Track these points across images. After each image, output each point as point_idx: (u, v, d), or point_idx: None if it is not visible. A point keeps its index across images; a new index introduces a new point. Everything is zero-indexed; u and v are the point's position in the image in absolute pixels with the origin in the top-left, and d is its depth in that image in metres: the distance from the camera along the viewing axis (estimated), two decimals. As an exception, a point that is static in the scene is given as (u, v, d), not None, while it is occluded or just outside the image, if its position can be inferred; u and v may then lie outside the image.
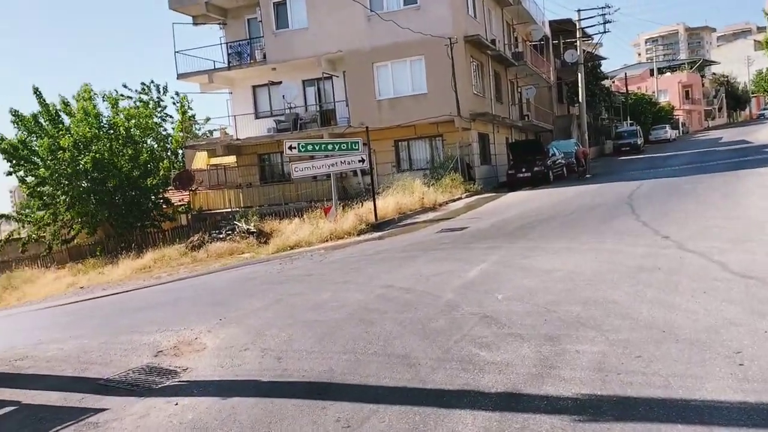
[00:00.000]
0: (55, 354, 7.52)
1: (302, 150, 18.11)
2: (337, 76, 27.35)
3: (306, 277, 11.04)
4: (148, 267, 21.97)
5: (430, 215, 19.16)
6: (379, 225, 17.59)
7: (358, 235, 16.83)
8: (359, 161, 18.15)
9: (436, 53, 24.81)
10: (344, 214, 18.63)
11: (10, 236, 29.60)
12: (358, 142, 18.26)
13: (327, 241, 16.84)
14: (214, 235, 24.68)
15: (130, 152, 27.35)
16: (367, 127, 19.24)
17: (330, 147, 18.34)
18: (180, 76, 28.51)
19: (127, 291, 15.39)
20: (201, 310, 9.10)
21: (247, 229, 24.15)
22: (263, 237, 23.67)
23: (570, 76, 45.41)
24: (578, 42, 41.88)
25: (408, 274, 9.61)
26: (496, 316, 6.45)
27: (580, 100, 42.44)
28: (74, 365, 6.86)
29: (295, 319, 7.64)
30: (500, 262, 9.53)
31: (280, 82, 27.43)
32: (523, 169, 26.24)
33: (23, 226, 29.02)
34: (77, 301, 15.44)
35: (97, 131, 26.98)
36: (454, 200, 22.39)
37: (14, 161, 26.67)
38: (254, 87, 29.05)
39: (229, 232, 24.52)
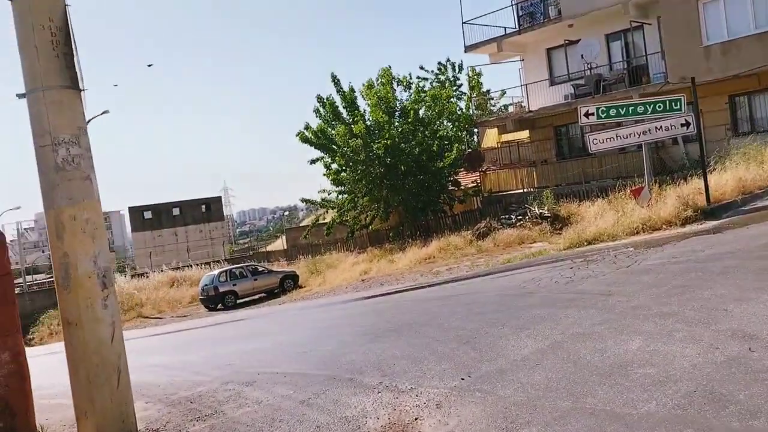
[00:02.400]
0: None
1: (603, 116, 14.30)
2: (650, 24, 22.34)
3: (603, 298, 7.65)
4: (431, 257, 20.43)
5: (792, 194, 13.76)
6: (713, 211, 13.02)
7: (682, 225, 12.57)
8: (682, 125, 13.67)
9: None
10: (661, 195, 14.32)
11: (316, 221, 31.23)
12: (679, 101, 13.79)
13: (637, 233, 12.93)
14: (504, 220, 22.16)
15: (419, 136, 26.26)
16: (693, 79, 14.47)
17: (640, 109, 14.16)
18: (468, 48, 26.41)
19: (396, 291, 13.71)
20: (443, 350, 6.46)
21: (540, 213, 21.09)
22: (558, 223, 20.34)
23: None
24: None
25: (781, 308, 5.67)
26: None
27: None
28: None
29: (575, 398, 4.50)
30: None
31: (578, 41, 23.48)
32: None
33: (327, 212, 30.24)
34: (347, 301, 14.29)
35: (388, 117, 26.45)
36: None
37: (318, 149, 27.61)
38: (548, 50, 25.52)
39: (520, 217, 21.75)
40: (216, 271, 25.60)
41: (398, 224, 27.73)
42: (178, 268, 34.47)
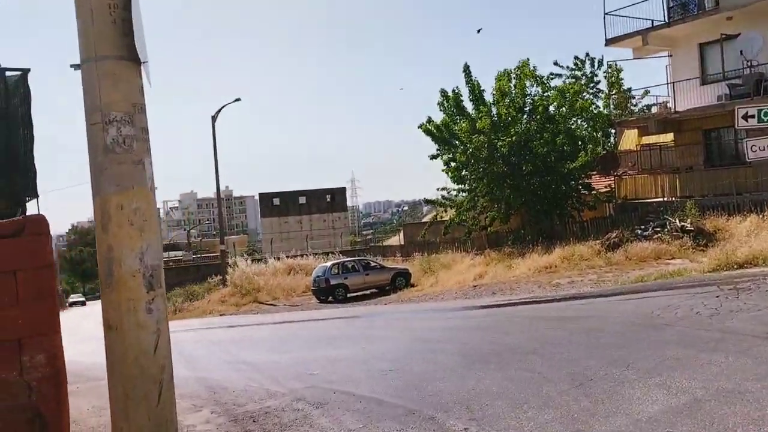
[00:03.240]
0: None
1: (765, 119, 12.20)
2: (827, 16, 19.34)
3: (760, 342, 6.13)
4: (552, 266, 18.88)
5: None
6: None
7: None
8: None
9: None
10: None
11: (434, 219, 30.34)
12: None
13: (804, 259, 10.84)
14: (639, 231, 20.09)
15: (547, 134, 24.57)
16: None
17: (816, 113, 11.93)
18: (609, 42, 24.32)
19: (509, 303, 12.48)
20: (550, 393, 5.30)
21: (682, 226, 18.87)
22: (702, 238, 18.10)
23: None
24: None
25: None
26: None
27: None
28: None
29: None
30: None
31: (738, 35, 20.79)
32: None
33: (445, 211, 29.23)
34: (454, 310, 13.25)
35: (516, 113, 24.98)
36: None
37: (439, 144, 26.68)
38: (701, 45, 22.86)
39: (657, 228, 19.61)
40: (328, 264, 25.46)
41: (519, 227, 26.18)
42: (296, 256, 34.97)
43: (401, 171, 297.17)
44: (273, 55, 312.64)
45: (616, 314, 8.89)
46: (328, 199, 74.15)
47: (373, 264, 26.04)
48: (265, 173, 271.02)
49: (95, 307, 56.05)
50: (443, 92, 26.23)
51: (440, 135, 25.99)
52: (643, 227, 20.13)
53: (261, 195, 73.46)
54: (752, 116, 12.24)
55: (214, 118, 31.96)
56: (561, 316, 9.38)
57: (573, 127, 26.12)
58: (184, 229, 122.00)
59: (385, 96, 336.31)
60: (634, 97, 29.41)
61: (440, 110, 26.83)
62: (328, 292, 24.00)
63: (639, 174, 24.35)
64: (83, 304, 68.46)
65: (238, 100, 33.21)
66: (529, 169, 24.28)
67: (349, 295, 24.11)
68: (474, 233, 28.31)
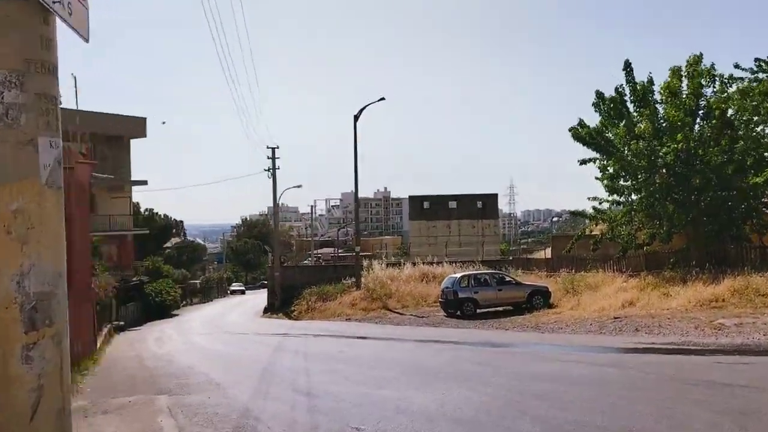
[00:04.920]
0: None
1: None
2: None
3: None
4: (719, 300, 15.67)
5: None
6: None
7: None
8: None
9: None
10: None
11: (582, 232, 27.30)
12: None
13: None
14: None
15: (724, 142, 20.86)
16: None
17: None
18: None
19: (648, 349, 9.98)
20: None
21: None
22: None
23: None
24: None
25: None
26: None
27: None
28: None
29: None
30: None
31: None
32: None
33: (596, 224, 26.15)
34: (577, 350, 10.93)
35: (685, 116, 21.50)
36: None
37: (593, 149, 23.79)
38: None
39: None
40: (458, 275, 23.65)
41: (683, 249, 22.58)
42: (432, 263, 33.46)
43: (563, 177, 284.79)
44: (426, 55, 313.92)
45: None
46: (479, 205, 71.82)
47: (507, 279, 23.80)
48: (421, 175, 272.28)
49: (251, 296, 58.78)
50: (599, 93, 23.35)
51: (592, 141, 23.11)
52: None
53: (411, 197, 72.96)
54: None
55: (356, 118, 31.38)
56: (712, 381, 6.91)
57: (758, 134, 22.01)
58: (341, 228, 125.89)
59: (544, 99, 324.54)
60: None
61: (595, 112, 23.97)
62: (455, 306, 22.25)
63: None
64: (242, 293, 72.36)
65: (382, 99, 32.42)
66: (698, 181, 20.72)
67: (479, 311, 22.18)
68: (629, 251, 25.04)
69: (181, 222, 78.11)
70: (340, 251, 74.41)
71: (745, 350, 8.86)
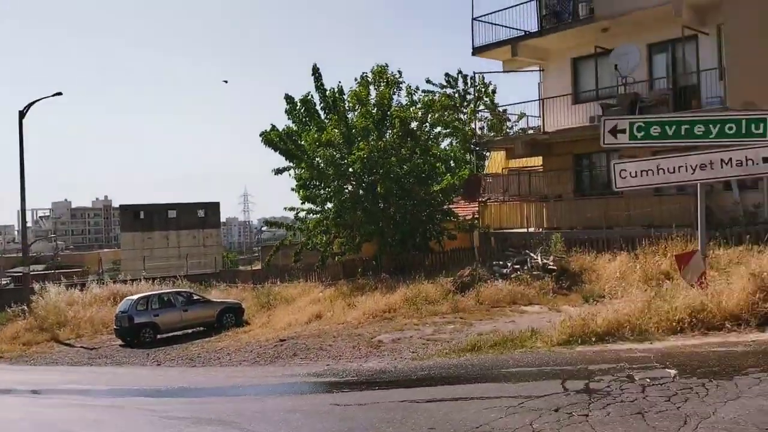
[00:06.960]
0: None
1: (639, 135, 9.19)
2: (706, 34, 17.37)
3: None
4: (392, 310, 15.38)
5: None
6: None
7: (761, 327, 7.44)
8: (765, 160, 8.54)
9: None
10: (718, 269, 9.14)
11: (282, 242, 26.27)
12: (764, 122, 8.66)
13: (681, 331, 7.82)
14: (496, 267, 17.07)
15: (405, 151, 21.34)
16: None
17: (699, 131, 9.01)
18: (476, 51, 21.44)
19: (266, 393, 8.64)
20: None
21: (543, 264, 15.99)
22: (565, 279, 15.25)
23: None
24: None
25: None
26: None
27: None
28: None
29: None
30: None
31: (611, 50, 18.51)
32: None
33: (294, 234, 25.33)
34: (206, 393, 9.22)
35: (372, 125, 21.58)
36: None
37: (283, 155, 22.73)
38: (574, 60, 20.51)
39: (517, 266, 16.65)
40: (136, 296, 20.75)
41: (374, 257, 22.72)
42: (126, 281, 29.74)
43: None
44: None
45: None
46: (201, 214, 68.31)
47: (196, 297, 21.51)
48: (159, 183, 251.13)
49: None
50: (288, 98, 22.45)
51: (284, 146, 22.08)
52: (501, 263, 17.15)
53: (122, 207, 66.45)
54: (622, 131, 9.23)
55: (22, 114, 26.40)
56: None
57: (437, 145, 23.09)
58: (50, 241, 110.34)
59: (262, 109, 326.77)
60: (509, 119, 26.94)
61: (288, 119, 23.05)
62: (132, 333, 19.34)
63: (505, 201, 21.59)
64: None
65: (58, 94, 27.89)
66: (382, 191, 20.84)
67: (160, 336, 19.59)
68: (328, 260, 24.65)
69: None
70: (39, 269, 64.55)
71: (377, 381, 7.96)
